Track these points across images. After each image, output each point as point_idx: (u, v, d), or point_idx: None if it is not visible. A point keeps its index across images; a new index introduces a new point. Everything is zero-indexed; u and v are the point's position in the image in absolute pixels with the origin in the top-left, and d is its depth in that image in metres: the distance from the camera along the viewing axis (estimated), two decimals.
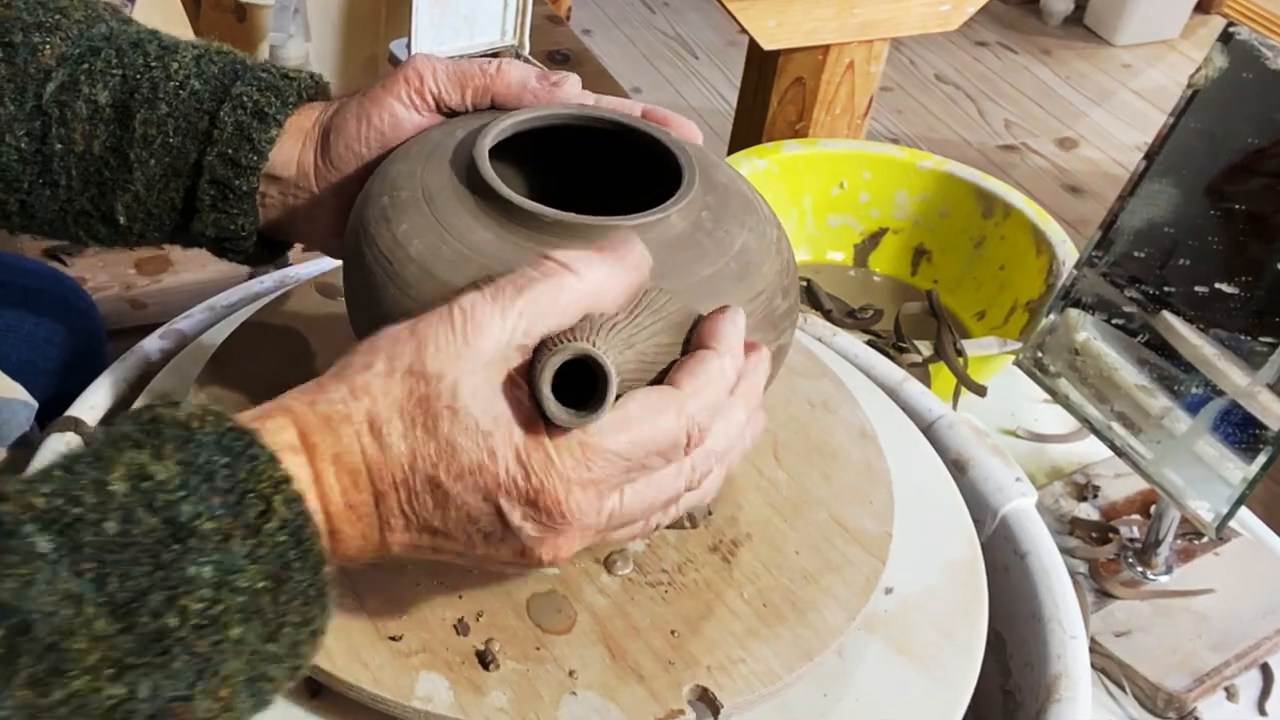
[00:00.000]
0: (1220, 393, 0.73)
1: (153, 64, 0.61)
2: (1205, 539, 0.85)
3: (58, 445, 0.67)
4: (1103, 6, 3.08)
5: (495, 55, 1.11)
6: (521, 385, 0.46)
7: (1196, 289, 0.75)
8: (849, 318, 1.04)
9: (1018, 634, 0.69)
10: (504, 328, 0.46)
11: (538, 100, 0.59)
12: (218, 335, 0.73)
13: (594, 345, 0.46)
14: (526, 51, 1.15)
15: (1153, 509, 0.83)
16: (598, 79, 1.58)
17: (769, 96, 1.38)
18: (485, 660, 0.55)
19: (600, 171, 0.62)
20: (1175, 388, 0.76)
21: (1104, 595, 0.82)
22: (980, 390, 0.94)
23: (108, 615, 0.39)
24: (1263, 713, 0.78)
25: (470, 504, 0.46)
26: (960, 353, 0.94)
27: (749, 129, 1.43)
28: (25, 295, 0.89)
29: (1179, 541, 0.84)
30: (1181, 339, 0.75)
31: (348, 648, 0.54)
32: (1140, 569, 0.83)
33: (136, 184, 0.62)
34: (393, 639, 0.55)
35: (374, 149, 0.60)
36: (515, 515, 0.46)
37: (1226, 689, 0.79)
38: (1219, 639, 0.80)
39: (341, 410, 0.45)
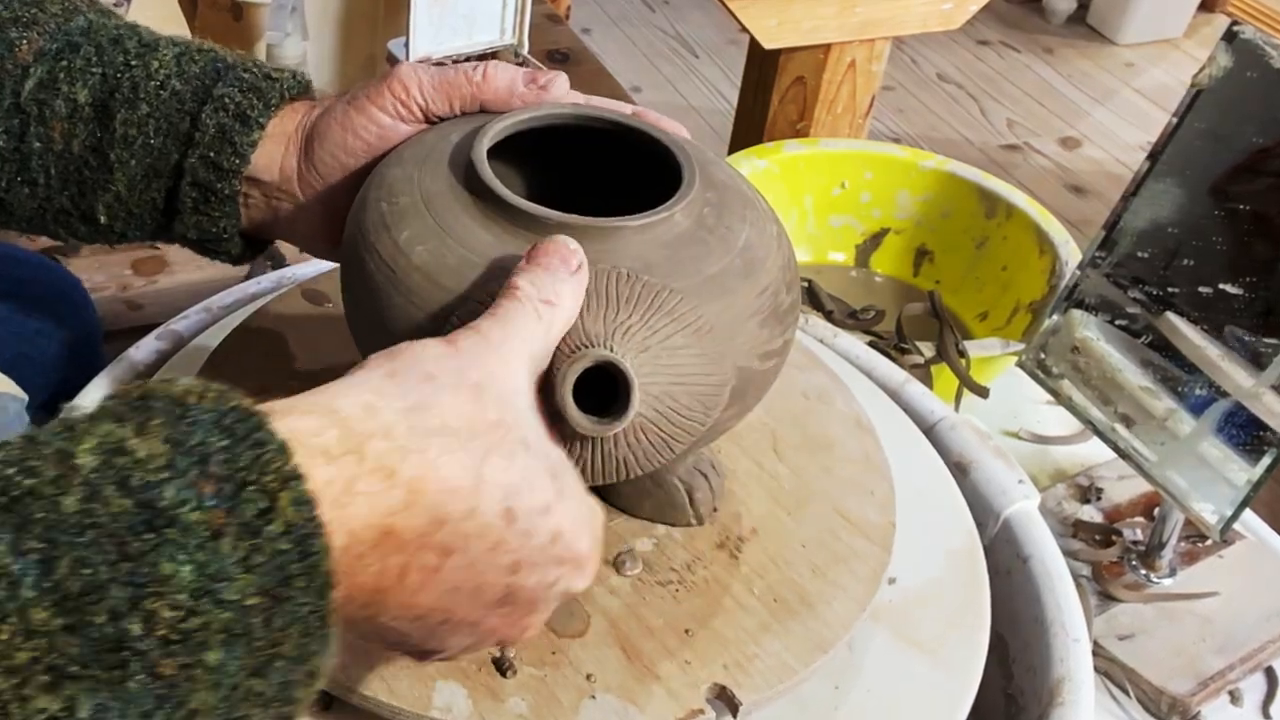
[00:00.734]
0: (1224, 394, 0.73)
1: (133, 62, 0.60)
2: (1209, 541, 0.85)
3: None
4: (1106, 5, 3.08)
5: (493, 55, 1.10)
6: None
7: (1200, 290, 0.75)
8: (850, 319, 1.03)
9: (1020, 637, 0.69)
10: (522, 390, 0.45)
11: (526, 104, 0.58)
12: (215, 337, 0.73)
13: (611, 350, 0.45)
14: (525, 51, 1.14)
15: (1156, 511, 0.83)
16: (597, 78, 1.58)
17: (770, 96, 1.38)
18: (502, 667, 0.54)
19: (597, 171, 0.62)
20: (1179, 389, 0.75)
21: (1107, 598, 0.82)
22: (982, 392, 0.93)
23: (52, 606, 0.31)
24: (1267, 716, 0.78)
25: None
26: (962, 354, 0.94)
27: (750, 128, 1.43)
28: (18, 285, 0.87)
29: (1183, 544, 0.84)
30: (1185, 340, 0.75)
31: (362, 658, 0.54)
32: (1144, 572, 0.83)
33: (118, 184, 0.61)
34: None
35: (360, 158, 0.59)
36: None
37: (1230, 693, 0.78)
38: (1223, 642, 0.79)
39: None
